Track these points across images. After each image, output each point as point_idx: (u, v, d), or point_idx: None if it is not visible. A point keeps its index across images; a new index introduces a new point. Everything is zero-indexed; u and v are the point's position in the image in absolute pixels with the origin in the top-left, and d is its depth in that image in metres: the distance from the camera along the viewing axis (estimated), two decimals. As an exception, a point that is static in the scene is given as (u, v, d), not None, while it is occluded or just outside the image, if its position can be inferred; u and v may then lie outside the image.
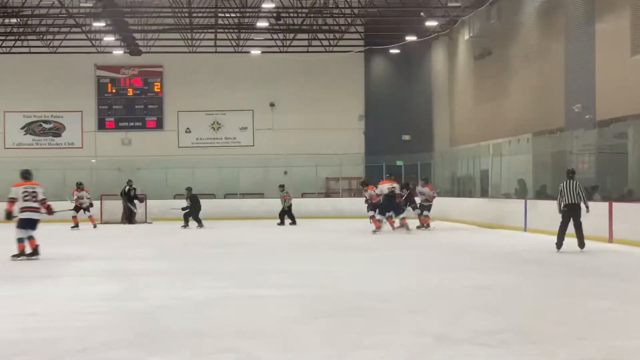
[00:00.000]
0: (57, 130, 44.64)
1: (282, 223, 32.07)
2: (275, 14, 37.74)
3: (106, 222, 34.04)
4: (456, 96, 40.47)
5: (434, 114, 43.97)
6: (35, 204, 17.65)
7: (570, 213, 18.39)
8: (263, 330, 8.89)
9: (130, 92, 44.89)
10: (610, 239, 20.66)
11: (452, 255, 18.56)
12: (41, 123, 44.60)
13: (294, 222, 32.11)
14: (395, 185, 26.44)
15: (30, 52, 42.74)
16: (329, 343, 8.16)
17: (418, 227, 27.98)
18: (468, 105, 38.49)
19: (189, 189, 31.54)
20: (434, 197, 29.06)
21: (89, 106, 44.56)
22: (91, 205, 31.56)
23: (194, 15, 39.23)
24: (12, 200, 17.56)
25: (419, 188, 29.12)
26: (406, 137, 43.72)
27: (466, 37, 38.09)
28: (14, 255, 17.47)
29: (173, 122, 44.76)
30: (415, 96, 43.88)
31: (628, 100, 24.17)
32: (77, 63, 43.64)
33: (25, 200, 17.51)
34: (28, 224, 17.59)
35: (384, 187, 26.33)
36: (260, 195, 40.04)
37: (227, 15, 39.58)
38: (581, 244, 18.47)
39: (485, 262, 16.74)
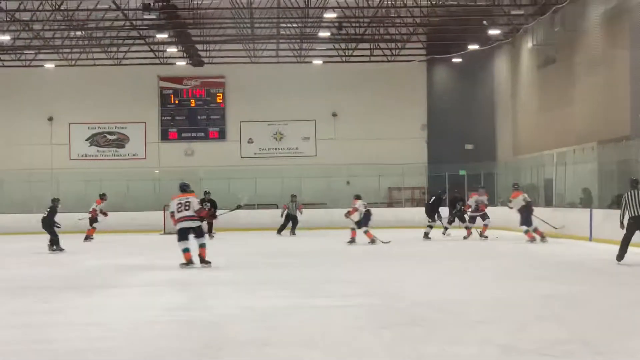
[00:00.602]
0: (121, 142, 45.04)
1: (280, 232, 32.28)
2: (337, 24, 37.75)
3: (169, 233, 34.19)
4: (519, 105, 40.15)
5: (497, 123, 43.66)
6: (190, 213, 18.21)
7: (636, 225, 17.50)
8: (327, 339, 8.87)
9: (192, 103, 45.15)
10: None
11: (517, 265, 18.37)
12: (105, 134, 45.03)
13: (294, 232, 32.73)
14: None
15: (94, 65, 43.20)
16: (392, 353, 8.11)
17: (465, 238, 28.01)
18: (531, 114, 38.16)
19: (207, 193, 31.67)
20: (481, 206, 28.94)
21: (152, 117, 44.91)
22: (105, 214, 30.89)
23: (256, 25, 39.37)
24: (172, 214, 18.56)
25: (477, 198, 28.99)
26: (469, 147, 43.42)
27: (529, 45, 37.80)
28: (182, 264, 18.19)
29: (235, 133, 44.94)
30: (478, 105, 43.59)
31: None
32: (140, 74, 44.02)
33: (179, 212, 18.22)
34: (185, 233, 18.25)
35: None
36: (322, 205, 39.98)
37: (289, 25, 39.68)
38: None
39: (550, 272, 16.54)
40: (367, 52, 42.70)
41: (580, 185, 29.13)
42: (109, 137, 44.97)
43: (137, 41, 39.70)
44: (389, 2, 35.59)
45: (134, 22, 36.77)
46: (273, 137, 44.93)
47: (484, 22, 37.32)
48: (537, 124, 37.16)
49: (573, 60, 32.88)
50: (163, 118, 45.05)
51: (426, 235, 27.83)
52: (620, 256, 17.66)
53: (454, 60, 42.11)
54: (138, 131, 44.85)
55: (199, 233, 18.24)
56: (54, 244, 23.99)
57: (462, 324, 9.85)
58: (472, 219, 28.71)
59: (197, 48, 41.69)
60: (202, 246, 18.16)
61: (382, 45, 42.01)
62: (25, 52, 41.75)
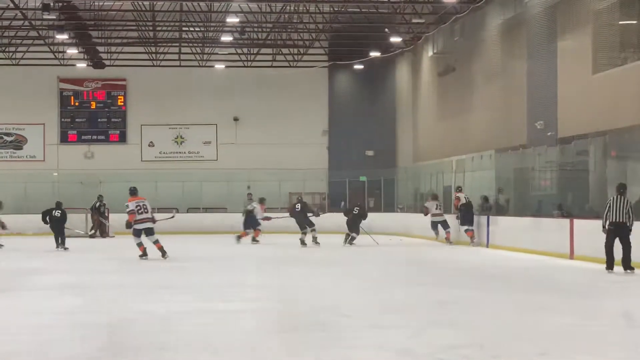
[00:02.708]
0: (18, 143, 44.31)
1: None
2: (239, 28, 37.70)
3: (68, 236, 33.75)
4: (420, 112, 40.60)
5: (398, 129, 44.05)
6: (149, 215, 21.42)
7: (617, 232, 16.98)
8: (226, 344, 8.87)
9: (93, 105, 44.63)
10: (572, 256, 20.80)
11: (414, 271, 18.61)
12: (2, 135, 44.24)
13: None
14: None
15: (-8, 64, 42.46)
16: (293, 358, 8.16)
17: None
18: (431, 121, 38.62)
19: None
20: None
21: (52, 119, 44.27)
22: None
23: (158, 28, 39.15)
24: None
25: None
26: (370, 153, 43.74)
27: (430, 53, 38.25)
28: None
29: (136, 136, 44.57)
30: (379, 112, 43.90)
31: (589, 118, 24.37)
32: (39, 75, 43.33)
33: (140, 213, 21.22)
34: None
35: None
36: (223, 209, 39.89)
37: (192, 29, 39.54)
38: (627, 266, 16.91)
39: (448, 278, 16.79)
40: (270, 57, 42.74)
41: (479, 192, 29.56)
42: (6, 138, 44.20)
43: (37, 41, 39.11)
44: (292, 8, 35.70)
45: (33, 22, 36.20)
46: (174, 141, 44.68)
47: (386, 29, 37.65)
48: (437, 131, 37.64)
49: (472, 69, 33.40)
50: (63, 120, 44.45)
51: (351, 240, 27.93)
52: (610, 265, 17.15)
53: (356, 66, 42.38)
54: (37, 133, 44.16)
55: (151, 232, 21.24)
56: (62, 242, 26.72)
57: (360, 328, 9.94)
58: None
59: (98, 50, 41.30)
60: (157, 242, 21.19)
61: (285, 50, 42.09)
62: None
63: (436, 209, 29.16)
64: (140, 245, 21.27)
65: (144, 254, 21.30)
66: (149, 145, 44.60)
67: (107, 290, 14.32)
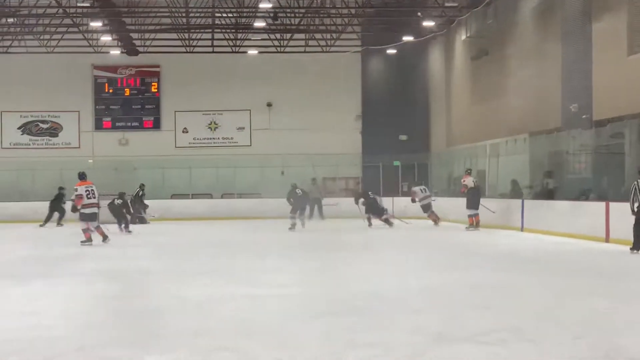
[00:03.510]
0: (54, 130, 44.58)
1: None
2: (272, 14, 37.70)
3: (103, 222, 33.95)
4: (453, 96, 40.44)
5: (431, 114, 43.91)
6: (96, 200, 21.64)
7: None
8: (260, 328, 8.90)
9: (127, 92, 44.83)
10: (607, 239, 20.70)
11: (450, 255, 18.56)
12: (38, 123, 44.53)
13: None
14: None
15: (27, 52, 42.66)
16: (327, 341, 8.18)
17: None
18: (465, 106, 38.47)
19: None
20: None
21: (86, 106, 44.50)
22: None
23: (191, 15, 39.21)
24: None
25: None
26: (403, 137, 43.61)
27: (463, 37, 38.07)
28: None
29: (170, 122, 44.71)
30: (412, 96, 43.74)
31: (625, 100, 24.18)
32: (74, 63, 43.56)
33: (89, 198, 21.39)
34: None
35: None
36: (257, 195, 39.96)
37: (225, 15, 39.57)
38: None
39: (483, 262, 16.74)
40: (302, 43, 42.71)
41: (512, 176, 29.46)
42: (42, 125, 44.49)
43: (71, 29, 39.27)
44: (325, -7, 35.66)
45: (68, 10, 36.36)
46: (208, 127, 44.79)
47: (419, 13, 37.52)
48: (470, 115, 37.48)
49: (505, 53, 33.21)
50: (97, 107, 44.68)
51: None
52: (636, 247, 17.51)
53: (389, 51, 42.26)
54: (72, 120, 44.43)
55: (95, 217, 21.60)
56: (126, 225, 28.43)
57: (395, 312, 9.94)
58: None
59: (132, 37, 41.40)
60: (98, 227, 21.65)
61: (317, 35, 42.03)
62: (-45, 39, 41.12)
63: (422, 192, 30.73)
64: (86, 231, 21.49)
65: (88, 240, 21.43)
66: (183, 132, 44.73)
67: (143, 276, 14.41)
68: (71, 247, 21.54)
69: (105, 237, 21.57)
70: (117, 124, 44.69)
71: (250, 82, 43.90)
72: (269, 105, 44.51)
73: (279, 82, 43.94)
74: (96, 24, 37.32)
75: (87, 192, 21.38)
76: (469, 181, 27.71)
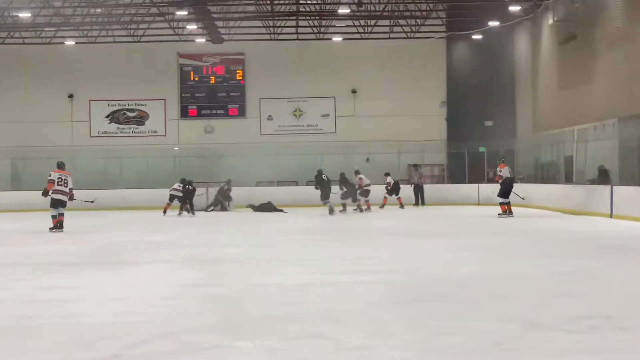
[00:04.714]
0: (140, 119, 45.15)
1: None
2: (356, 1, 37.64)
3: (186, 210, 34.34)
4: (540, 82, 39.98)
5: (517, 99, 43.48)
6: (66, 189, 22.52)
7: None
8: (347, 315, 8.88)
9: (212, 80, 45.23)
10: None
11: (537, 241, 18.33)
12: (125, 111, 45.14)
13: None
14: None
15: (114, 42, 43.27)
16: (415, 328, 8.12)
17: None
18: (552, 91, 37.98)
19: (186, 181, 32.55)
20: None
21: (172, 94, 45.00)
22: None
23: (276, 2, 39.34)
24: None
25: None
26: (489, 123, 43.29)
27: (550, 21, 37.60)
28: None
29: (255, 110, 44.98)
30: (498, 82, 43.40)
31: None
32: (160, 52, 44.09)
33: (59, 185, 22.42)
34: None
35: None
36: (342, 182, 39.95)
37: (309, 2, 39.61)
38: None
39: (571, 248, 16.49)
40: (387, 29, 42.62)
41: (601, 162, 29.04)
42: (129, 114, 45.10)
43: (157, 18, 39.71)
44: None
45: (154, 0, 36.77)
46: (292, 114, 44.95)
47: (505, -2, 37.17)
48: (557, 100, 37.00)
49: (594, 36, 32.70)
50: (183, 95, 45.15)
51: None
52: None
53: (474, 37, 41.96)
54: (158, 108, 44.96)
55: (64, 205, 22.52)
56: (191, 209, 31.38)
57: (482, 299, 9.85)
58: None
59: (217, 25, 41.69)
60: (61, 215, 22.41)
61: (402, 21, 41.88)
62: (45, 29, 41.81)
63: (366, 179, 32.31)
64: (54, 217, 22.38)
65: (56, 227, 22.26)
66: (268, 119, 44.95)
67: (230, 262, 14.48)
68: (161, 234, 21.79)
69: (60, 227, 22.27)
70: (203, 111, 45.10)
71: (335, 69, 43.95)
72: (354, 92, 44.51)
73: (363, 68, 43.91)
74: (182, 13, 37.69)
75: (60, 180, 22.40)
76: (505, 171, 27.54)
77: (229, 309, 9.38)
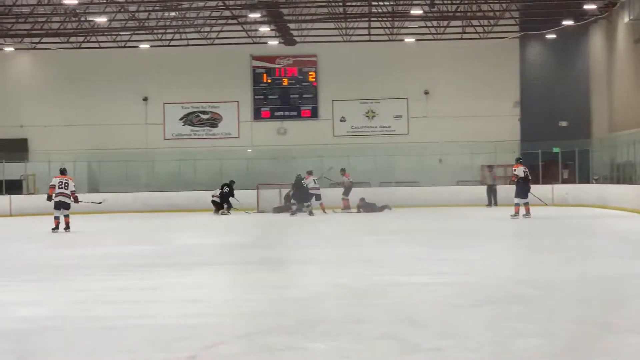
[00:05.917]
0: (214, 121, 45.45)
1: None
2: (429, 1, 37.50)
3: (261, 211, 34.55)
4: (615, 81, 39.47)
5: (592, 99, 42.96)
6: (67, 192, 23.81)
7: None
8: (421, 316, 8.85)
9: (285, 82, 45.37)
10: None
11: (613, 243, 18.11)
12: (199, 114, 45.47)
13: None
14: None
15: (188, 45, 43.66)
16: (492, 330, 8.07)
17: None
18: (628, 90, 37.47)
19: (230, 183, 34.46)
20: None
21: (245, 96, 45.23)
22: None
23: (348, 4, 39.34)
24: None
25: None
26: (563, 124, 42.84)
27: (626, 20, 37.07)
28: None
29: (328, 111, 45.03)
30: (572, 81, 42.95)
31: None
32: (233, 54, 44.34)
33: (60, 188, 23.74)
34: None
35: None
36: (415, 183, 39.85)
37: (381, 3, 39.56)
38: None
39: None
40: (460, 30, 42.39)
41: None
42: (202, 116, 45.42)
43: (230, 21, 39.94)
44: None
45: (227, 2, 37.02)
46: (365, 115, 44.91)
47: (579, -4, 36.75)
48: (634, 100, 36.48)
49: (671, 35, 32.19)
50: (255, 97, 45.35)
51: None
52: None
53: (548, 36, 41.56)
54: (231, 110, 45.22)
55: (67, 206, 23.72)
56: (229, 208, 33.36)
57: (559, 301, 9.75)
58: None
59: (289, 27, 41.81)
60: (67, 216, 23.66)
61: (475, 22, 41.61)
62: (120, 33, 42.29)
63: (314, 183, 32.47)
64: (57, 218, 23.64)
65: (56, 228, 23.47)
66: (341, 120, 44.98)
67: (303, 263, 14.52)
68: (233, 236, 21.93)
69: (67, 227, 23.51)
70: (276, 113, 45.25)
71: (407, 70, 43.85)
72: (426, 93, 44.35)
73: (435, 69, 43.75)
74: (255, 15, 37.87)
75: (60, 183, 23.78)
76: (520, 171, 27.31)
77: (303, 311, 9.40)
